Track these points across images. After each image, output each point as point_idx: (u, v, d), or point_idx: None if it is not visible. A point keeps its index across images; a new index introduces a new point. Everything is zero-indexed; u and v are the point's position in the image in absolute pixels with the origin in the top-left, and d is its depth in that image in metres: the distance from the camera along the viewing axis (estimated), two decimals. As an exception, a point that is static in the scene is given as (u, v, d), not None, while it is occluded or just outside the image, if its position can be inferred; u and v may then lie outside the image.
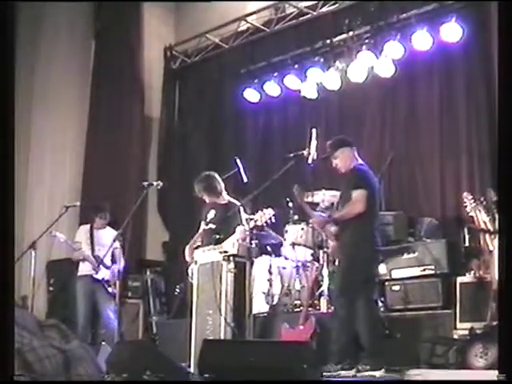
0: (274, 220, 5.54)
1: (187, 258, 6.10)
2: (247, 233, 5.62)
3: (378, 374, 4.82)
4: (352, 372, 4.93)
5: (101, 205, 7.60)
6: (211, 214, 6.14)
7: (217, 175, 6.23)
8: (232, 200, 6.15)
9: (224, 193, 6.21)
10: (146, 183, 6.49)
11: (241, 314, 5.51)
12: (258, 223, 5.55)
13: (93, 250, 7.30)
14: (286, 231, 7.02)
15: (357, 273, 5.17)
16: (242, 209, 5.87)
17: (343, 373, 4.92)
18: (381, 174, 7.14)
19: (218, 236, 5.82)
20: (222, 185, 6.21)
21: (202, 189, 6.14)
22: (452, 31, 7.29)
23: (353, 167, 5.41)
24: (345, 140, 5.61)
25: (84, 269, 7.29)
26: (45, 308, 8.28)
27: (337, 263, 5.62)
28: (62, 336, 1.14)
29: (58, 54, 9.46)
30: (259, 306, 6.49)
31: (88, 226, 7.52)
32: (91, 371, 1.08)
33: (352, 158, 5.46)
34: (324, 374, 4.72)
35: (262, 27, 9.42)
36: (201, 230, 6.21)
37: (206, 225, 6.15)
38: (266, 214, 5.51)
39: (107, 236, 7.25)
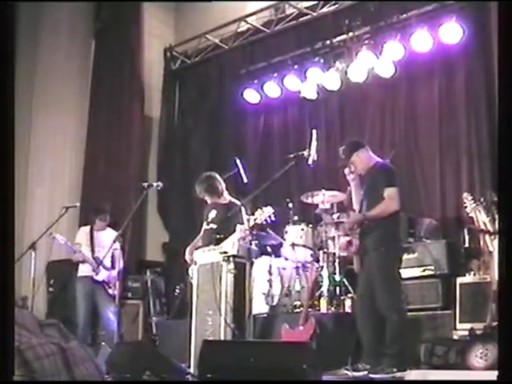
0: (273, 218, 5.53)
1: (187, 259, 6.10)
2: (247, 232, 5.62)
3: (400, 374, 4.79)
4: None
5: (101, 206, 7.59)
6: (212, 214, 6.15)
7: (217, 175, 6.24)
8: (233, 200, 6.15)
9: (225, 193, 6.21)
10: (145, 184, 6.48)
11: (241, 315, 5.51)
12: (258, 221, 5.54)
13: (93, 251, 7.29)
14: (286, 232, 7.02)
15: (387, 271, 5.07)
16: (243, 209, 5.87)
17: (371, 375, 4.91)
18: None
19: (218, 236, 5.82)
20: (223, 185, 6.21)
21: (203, 190, 6.15)
22: (452, 31, 7.29)
23: (376, 165, 5.33)
24: (358, 142, 5.54)
25: (84, 270, 7.28)
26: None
27: (357, 265, 5.37)
28: (61, 335, 1.14)
29: (58, 54, 9.46)
30: (259, 306, 6.49)
31: (88, 227, 7.52)
32: (91, 371, 1.08)
33: (369, 158, 5.41)
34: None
35: (262, 28, 9.42)
36: (203, 230, 6.21)
37: (207, 225, 6.16)
38: (265, 212, 5.50)
39: (107, 237, 7.25)
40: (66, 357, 1.08)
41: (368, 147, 5.49)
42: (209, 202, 6.20)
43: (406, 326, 5.13)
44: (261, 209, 5.54)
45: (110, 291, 7.10)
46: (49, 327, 1.15)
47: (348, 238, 5.36)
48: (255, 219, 5.53)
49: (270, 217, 5.49)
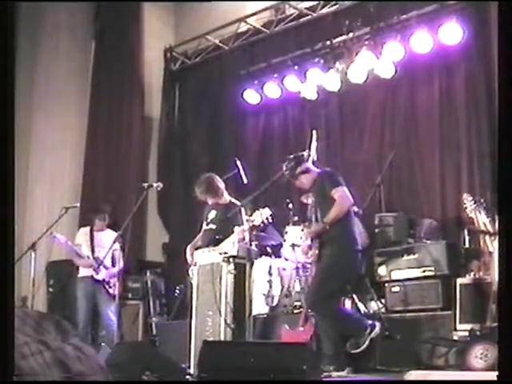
0: (270, 220, 5.54)
1: (188, 259, 6.09)
2: (245, 233, 5.61)
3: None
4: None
5: (100, 207, 7.59)
6: (212, 215, 6.15)
7: (217, 176, 6.23)
8: (233, 200, 6.15)
9: (225, 193, 6.21)
10: (145, 184, 6.48)
11: (241, 315, 5.50)
12: (256, 223, 5.55)
13: (93, 251, 7.29)
14: (286, 232, 7.02)
15: (338, 275, 5.22)
16: (242, 209, 5.86)
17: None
18: (381, 175, 7.20)
19: (217, 236, 5.82)
20: (223, 185, 6.21)
21: (203, 191, 6.13)
22: (452, 32, 7.29)
23: (317, 174, 5.52)
24: (298, 157, 5.66)
25: (85, 270, 7.28)
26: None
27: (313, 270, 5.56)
28: (59, 331, 1.14)
29: (58, 54, 9.46)
30: (259, 307, 6.49)
31: (87, 228, 7.52)
32: (87, 368, 1.07)
33: (312, 171, 5.57)
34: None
35: (262, 28, 9.42)
36: (202, 230, 6.21)
37: (207, 225, 6.15)
38: (263, 214, 5.50)
39: (107, 238, 7.25)
40: (56, 355, 1.08)
41: (309, 161, 5.63)
42: (210, 203, 6.20)
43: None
44: (258, 210, 5.55)
45: (111, 291, 7.09)
46: (46, 321, 1.14)
47: (309, 243, 5.47)
48: (253, 221, 5.53)
49: (267, 218, 5.50)
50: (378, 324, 5.14)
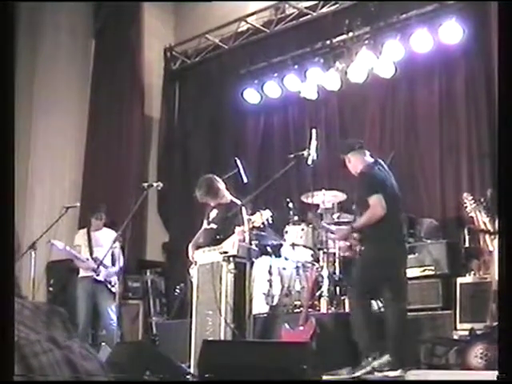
0: (271, 221, 5.55)
1: (189, 257, 6.08)
2: (245, 233, 5.62)
3: (394, 374, 4.82)
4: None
5: (96, 206, 7.57)
6: (213, 214, 6.14)
7: (216, 177, 6.22)
8: (234, 200, 6.15)
9: (226, 193, 6.20)
10: (145, 184, 6.47)
11: (241, 315, 5.50)
12: (256, 224, 5.55)
13: (91, 252, 7.28)
14: (286, 232, 7.02)
15: (381, 270, 5.19)
16: (243, 209, 5.86)
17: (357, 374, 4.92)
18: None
19: (218, 236, 5.82)
20: (223, 185, 6.20)
21: (203, 194, 6.11)
22: (452, 31, 7.29)
23: (361, 171, 5.42)
24: (350, 145, 5.64)
25: (85, 270, 7.27)
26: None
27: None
28: (64, 328, 1.14)
29: (58, 54, 9.46)
30: (259, 306, 6.48)
31: (85, 229, 7.50)
32: (93, 368, 1.08)
33: (362, 161, 5.47)
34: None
35: (262, 28, 9.42)
36: (203, 228, 6.20)
37: (208, 224, 6.15)
38: (263, 215, 5.51)
39: (104, 237, 7.24)
40: (65, 353, 1.08)
41: (362, 149, 5.55)
42: (212, 204, 6.18)
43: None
44: (259, 212, 5.55)
45: (113, 289, 7.06)
46: (54, 315, 1.14)
47: (347, 243, 5.48)
48: (253, 222, 5.53)
49: (267, 220, 5.51)
50: (387, 355, 4.93)
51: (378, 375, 4.86)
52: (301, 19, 9.03)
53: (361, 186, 5.39)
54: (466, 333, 5.19)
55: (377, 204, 5.14)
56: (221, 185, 6.17)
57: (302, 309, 6.03)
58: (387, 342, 5.03)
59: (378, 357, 4.91)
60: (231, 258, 5.52)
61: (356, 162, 5.47)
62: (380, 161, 5.54)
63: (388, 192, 5.23)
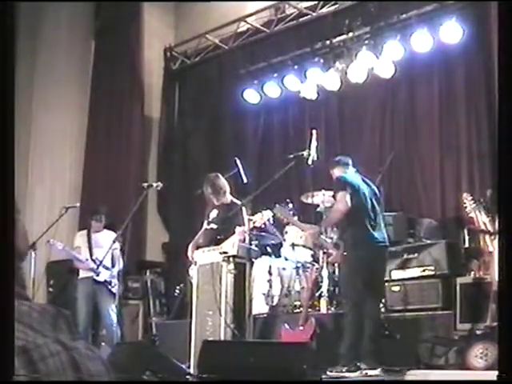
0: (271, 222, 5.56)
1: (189, 257, 6.08)
2: (246, 234, 5.62)
3: (373, 372, 4.86)
4: (356, 373, 4.94)
5: (96, 208, 7.56)
6: (213, 214, 6.14)
7: (221, 175, 6.24)
8: (234, 200, 6.15)
9: (227, 193, 6.21)
10: (145, 184, 6.47)
11: (241, 315, 5.50)
12: (257, 225, 5.56)
13: (91, 253, 7.27)
14: (286, 232, 7.02)
15: (359, 273, 5.22)
16: (243, 209, 5.86)
17: (348, 374, 4.92)
18: (381, 175, 7.19)
19: (219, 236, 5.82)
20: (227, 185, 6.21)
21: (211, 191, 6.10)
22: (452, 31, 7.29)
23: (335, 178, 5.67)
24: (334, 161, 5.82)
25: (85, 271, 7.27)
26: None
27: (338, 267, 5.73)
28: (69, 330, 1.14)
29: (58, 54, 9.47)
30: (259, 306, 6.48)
31: (85, 230, 7.50)
32: (98, 369, 1.08)
33: (342, 173, 5.67)
34: (328, 374, 4.75)
35: (262, 28, 9.42)
36: (203, 229, 6.20)
37: (208, 224, 6.15)
38: (264, 216, 5.51)
39: (104, 238, 7.23)
40: (72, 355, 1.08)
41: (347, 165, 5.71)
42: (216, 203, 6.18)
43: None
44: (260, 213, 5.56)
45: (113, 290, 7.06)
46: (60, 317, 1.14)
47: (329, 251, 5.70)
48: (254, 222, 5.54)
49: (268, 220, 5.52)
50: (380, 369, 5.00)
51: (356, 374, 4.92)
52: (301, 19, 9.03)
53: (333, 187, 5.70)
54: (466, 333, 5.19)
55: (341, 199, 5.33)
56: (225, 185, 6.18)
57: (301, 309, 6.03)
58: (365, 342, 5.09)
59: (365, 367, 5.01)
60: (231, 259, 5.53)
61: (337, 174, 5.67)
62: (361, 176, 5.69)
63: (353, 191, 5.37)
